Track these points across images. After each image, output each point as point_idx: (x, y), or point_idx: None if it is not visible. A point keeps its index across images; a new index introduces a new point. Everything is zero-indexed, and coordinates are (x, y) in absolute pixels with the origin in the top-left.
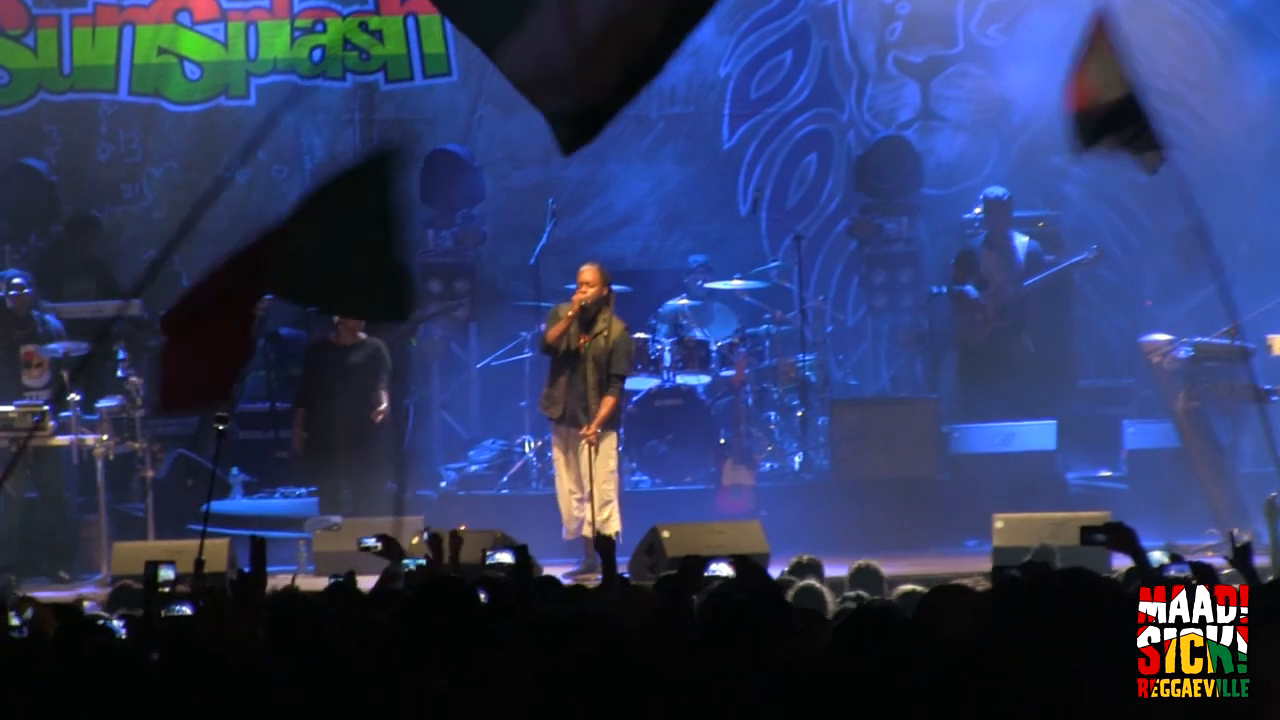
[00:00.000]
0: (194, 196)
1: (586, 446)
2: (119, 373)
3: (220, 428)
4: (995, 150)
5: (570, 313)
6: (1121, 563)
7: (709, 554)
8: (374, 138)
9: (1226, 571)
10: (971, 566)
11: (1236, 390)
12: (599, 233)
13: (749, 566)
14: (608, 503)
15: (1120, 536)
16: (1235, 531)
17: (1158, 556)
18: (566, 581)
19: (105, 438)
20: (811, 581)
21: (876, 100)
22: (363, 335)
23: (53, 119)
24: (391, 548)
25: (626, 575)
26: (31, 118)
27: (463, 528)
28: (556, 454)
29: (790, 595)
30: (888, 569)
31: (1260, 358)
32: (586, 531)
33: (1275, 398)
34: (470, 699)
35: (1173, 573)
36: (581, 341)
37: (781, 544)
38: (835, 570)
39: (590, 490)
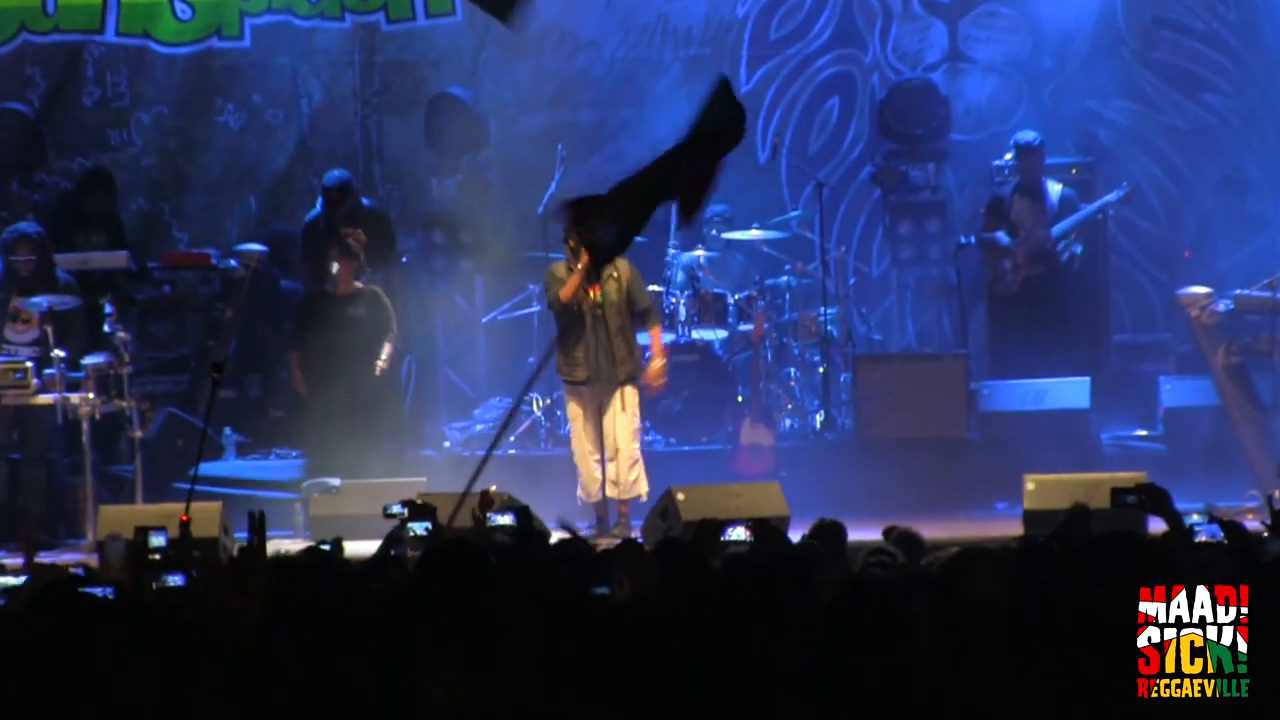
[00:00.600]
0: (185, 143)
1: (616, 403)
2: (106, 327)
3: (215, 376)
4: (1026, 94)
5: (579, 266)
6: (1158, 526)
7: (726, 518)
8: (375, 81)
9: (1265, 535)
10: (1001, 530)
11: (1278, 345)
12: (610, 180)
13: (768, 531)
14: (636, 462)
15: (1153, 498)
16: (1277, 494)
17: (1197, 519)
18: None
19: (91, 396)
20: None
21: (902, 41)
22: (359, 284)
23: (36, 61)
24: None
25: (639, 540)
26: (14, 59)
27: (493, 488)
28: (575, 416)
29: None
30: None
31: None
32: (610, 493)
33: None
34: (475, 675)
35: (1204, 536)
36: (593, 293)
37: (802, 507)
38: (858, 534)
39: (614, 450)
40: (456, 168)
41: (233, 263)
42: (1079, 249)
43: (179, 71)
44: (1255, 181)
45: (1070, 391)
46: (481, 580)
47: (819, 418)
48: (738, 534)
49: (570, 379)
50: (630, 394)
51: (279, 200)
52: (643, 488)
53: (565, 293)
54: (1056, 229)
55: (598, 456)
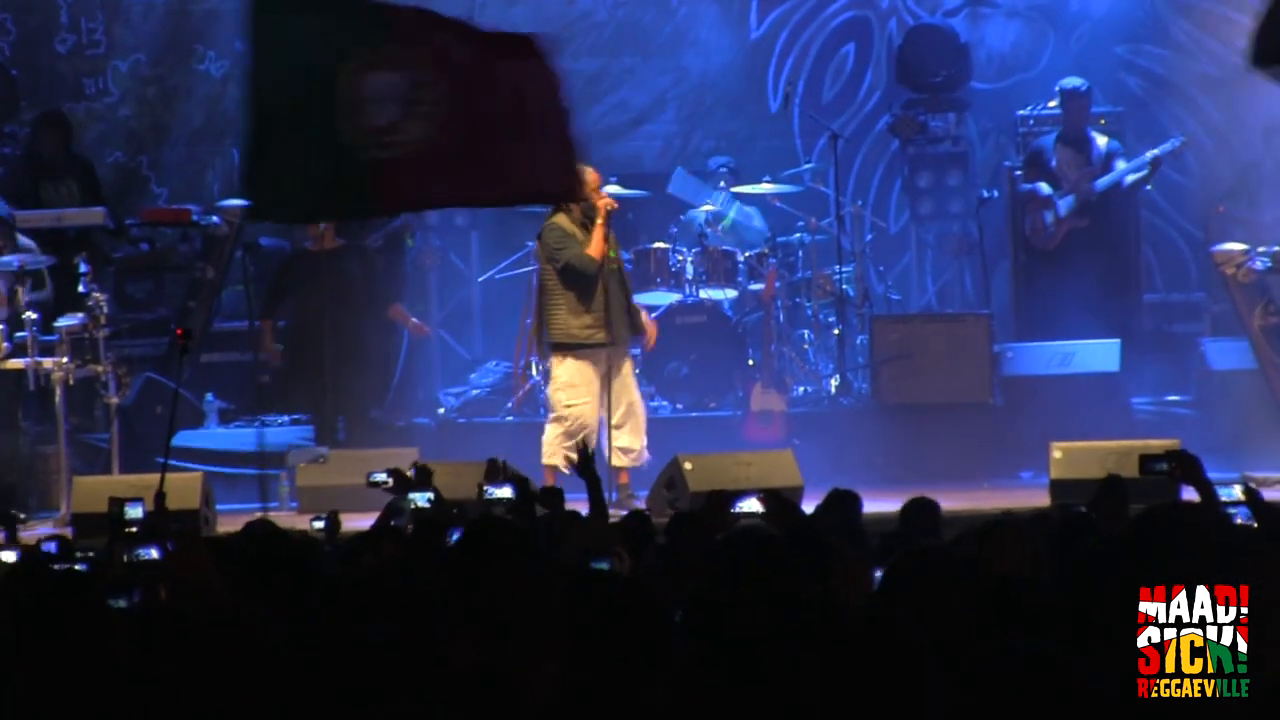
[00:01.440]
0: (164, 93)
1: (626, 366)
2: (80, 287)
3: (183, 344)
4: (1051, 40)
5: (601, 221)
6: (1192, 496)
7: (736, 488)
8: None
9: None
10: (1027, 500)
11: None
12: (613, 132)
13: (781, 502)
14: (644, 429)
15: (1185, 466)
16: None
17: (1234, 492)
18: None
19: (65, 360)
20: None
21: None
22: (342, 240)
23: (6, 6)
24: (405, 486)
25: (645, 511)
26: None
27: (500, 460)
28: (583, 379)
29: None
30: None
31: None
32: (620, 461)
33: None
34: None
35: (1239, 519)
36: (612, 251)
37: (816, 476)
38: (876, 505)
39: (628, 416)
40: None
41: (215, 219)
42: (1149, 188)
43: (158, 17)
44: None
45: (1099, 354)
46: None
47: (834, 382)
48: (749, 506)
49: (589, 341)
50: (630, 357)
51: None
52: (646, 455)
53: (597, 251)
54: (1101, 183)
55: (613, 423)
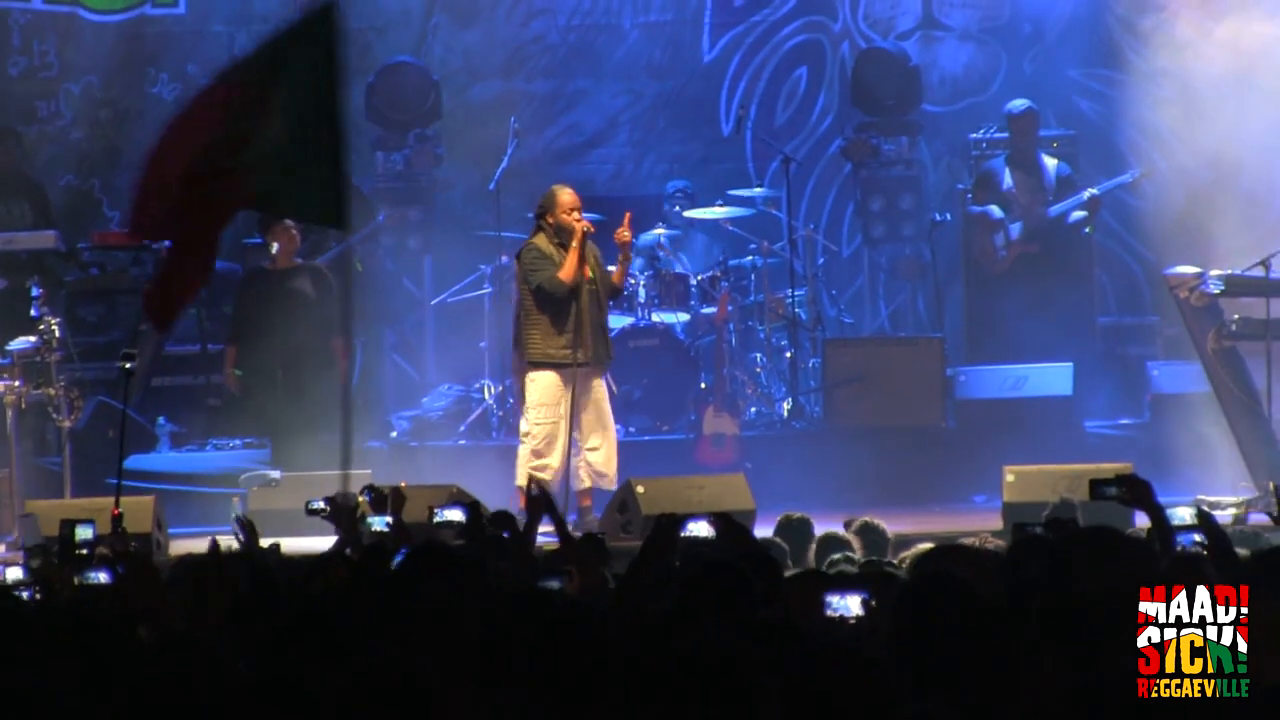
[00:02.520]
0: (117, 115)
1: (600, 387)
2: (32, 311)
3: (127, 365)
4: (1004, 63)
5: (576, 243)
6: (1146, 520)
7: (688, 511)
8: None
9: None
10: (980, 524)
11: (1273, 328)
12: (566, 154)
13: (732, 526)
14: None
15: (1134, 490)
16: (1275, 485)
17: (1184, 514)
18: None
19: (16, 384)
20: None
21: (873, 8)
22: (299, 260)
23: None
24: (341, 514)
25: (600, 533)
26: None
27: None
28: (554, 399)
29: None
30: (888, 528)
31: None
32: (589, 483)
33: None
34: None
35: (1193, 540)
36: (588, 272)
37: (768, 500)
38: (826, 528)
39: (601, 437)
40: (404, 141)
41: (167, 243)
42: (1087, 230)
43: (110, 40)
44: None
45: (1052, 377)
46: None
47: (786, 405)
48: (699, 529)
49: (565, 361)
50: (605, 380)
51: None
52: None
53: (568, 272)
54: (1054, 210)
55: (585, 444)
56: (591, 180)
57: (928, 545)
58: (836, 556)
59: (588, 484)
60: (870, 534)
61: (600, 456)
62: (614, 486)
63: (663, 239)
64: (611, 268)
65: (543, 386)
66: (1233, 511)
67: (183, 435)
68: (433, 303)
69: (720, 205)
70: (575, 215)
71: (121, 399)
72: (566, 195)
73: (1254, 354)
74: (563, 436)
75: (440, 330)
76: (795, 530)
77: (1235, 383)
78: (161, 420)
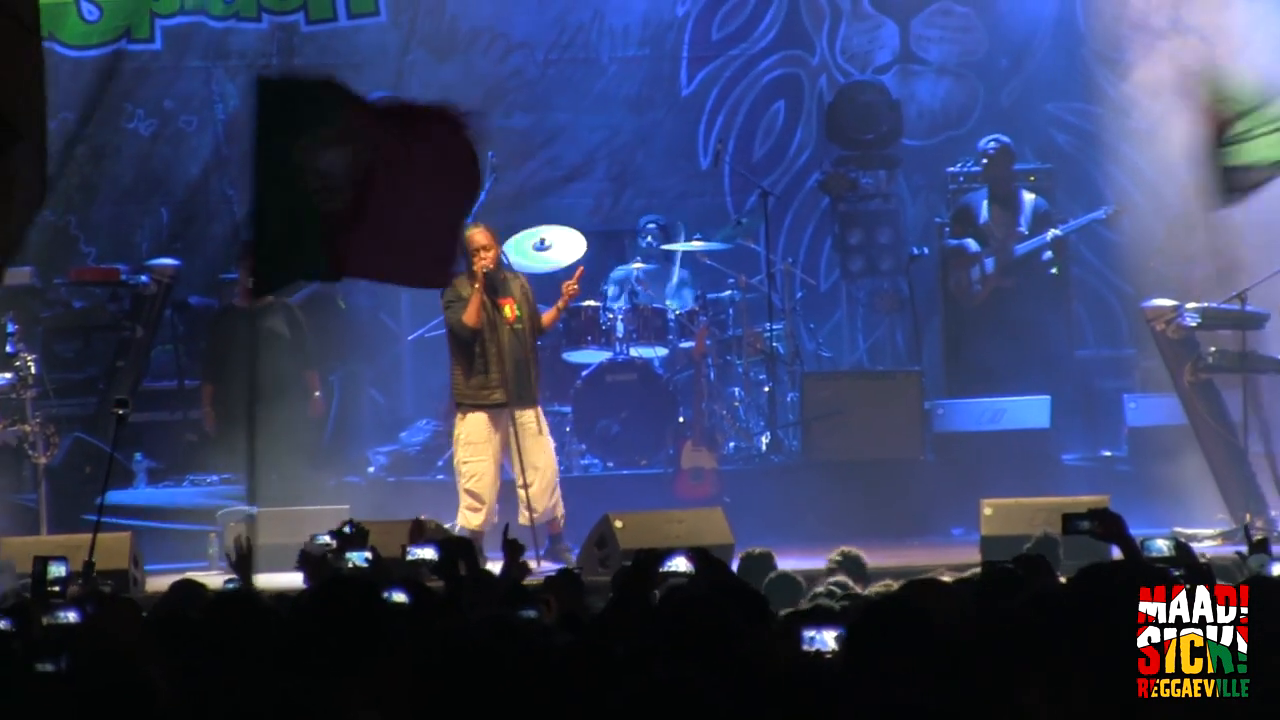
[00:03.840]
0: (93, 151)
1: (532, 424)
2: (8, 348)
3: (120, 412)
4: (982, 96)
5: (477, 285)
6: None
7: (666, 545)
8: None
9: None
10: (958, 557)
11: (1249, 361)
12: (544, 188)
13: (711, 561)
14: (557, 485)
15: (1107, 524)
16: (1249, 517)
17: (1162, 545)
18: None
19: None
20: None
21: (851, 42)
22: (270, 297)
23: None
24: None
25: (576, 568)
26: None
27: (423, 516)
28: (481, 439)
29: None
30: (867, 561)
31: (1275, 324)
32: (525, 520)
33: None
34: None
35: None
36: (509, 310)
37: (747, 534)
38: (807, 563)
39: (536, 474)
40: None
41: (144, 279)
42: (1053, 271)
43: (86, 75)
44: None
45: (1030, 410)
46: (370, 619)
47: (765, 439)
48: (678, 564)
49: (485, 403)
50: (541, 414)
51: (192, 212)
52: (561, 510)
53: (471, 315)
54: (1021, 248)
55: (521, 482)
56: (570, 214)
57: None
58: (819, 590)
59: (525, 521)
60: (850, 565)
61: (533, 491)
62: (545, 520)
63: (640, 273)
64: (545, 307)
65: (469, 426)
66: (1210, 543)
67: (160, 471)
68: (410, 338)
69: (698, 239)
70: (480, 255)
71: (109, 442)
72: (473, 234)
73: (1230, 386)
74: (491, 475)
75: (418, 365)
76: (755, 565)
77: (1211, 415)
78: (139, 456)
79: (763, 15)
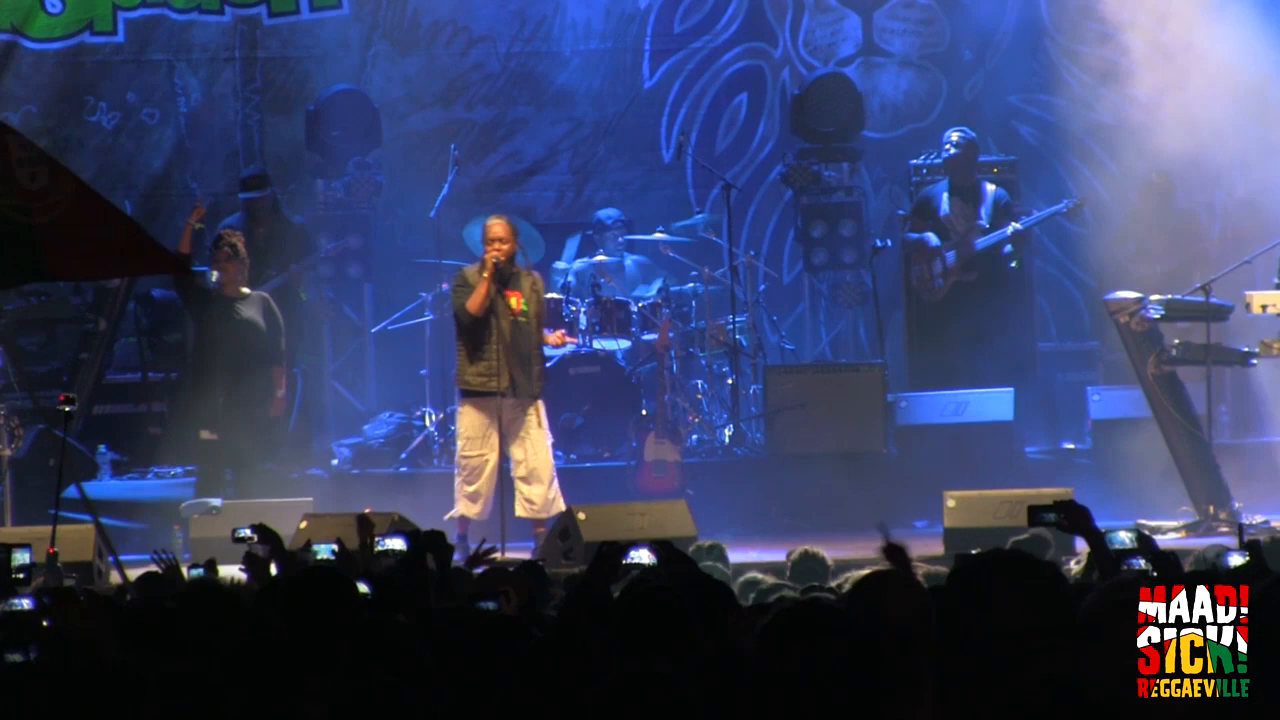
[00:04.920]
0: (56, 144)
1: (531, 418)
2: None
3: (67, 409)
4: (945, 89)
5: (486, 274)
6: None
7: (629, 538)
8: (256, 78)
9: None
10: (921, 549)
11: (1212, 353)
12: (507, 182)
13: (674, 553)
14: (554, 479)
15: (1073, 516)
16: (1212, 509)
17: (1124, 537)
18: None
19: None
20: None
21: (814, 34)
22: (246, 289)
23: None
24: (269, 537)
25: (539, 560)
26: None
27: (368, 510)
28: (477, 427)
29: None
30: (828, 553)
31: (1238, 316)
32: (524, 512)
33: (1254, 361)
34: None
35: (1138, 564)
36: (516, 302)
37: (710, 526)
38: (769, 555)
39: (532, 468)
40: (343, 169)
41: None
42: (1013, 265)
43: (49, 68)
44: (1188, 179)
45: (993, 403)
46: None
47: (728, 432)
48: (641, 556)
49: (483, 389)
50: (541, 409)
51: (155, 205)
52: (561, 505)
53: (475, 301)
54: (981, 242)
55: (520, 475)
56: (532, 208)
57: (863, 572)
58: (772, 582)
59: (522, 513)
60: (811, 564)
61: (532, 487)
62: (545, 514)
63: (602, 265)
64: (550, 333)
65: (468, 420)
66: (1173, 535)
67: (124, 463)
68: (374, 330)
69: (660, 232)
70: (494, 246)
71: (71, 435)
72: (492, 225)
73: (1194, 378)
74: (490, 468)
75: (381, 358)
76: (708, 557)
77: (1175, 407)
78: (103, 448)
79: (725, 8)
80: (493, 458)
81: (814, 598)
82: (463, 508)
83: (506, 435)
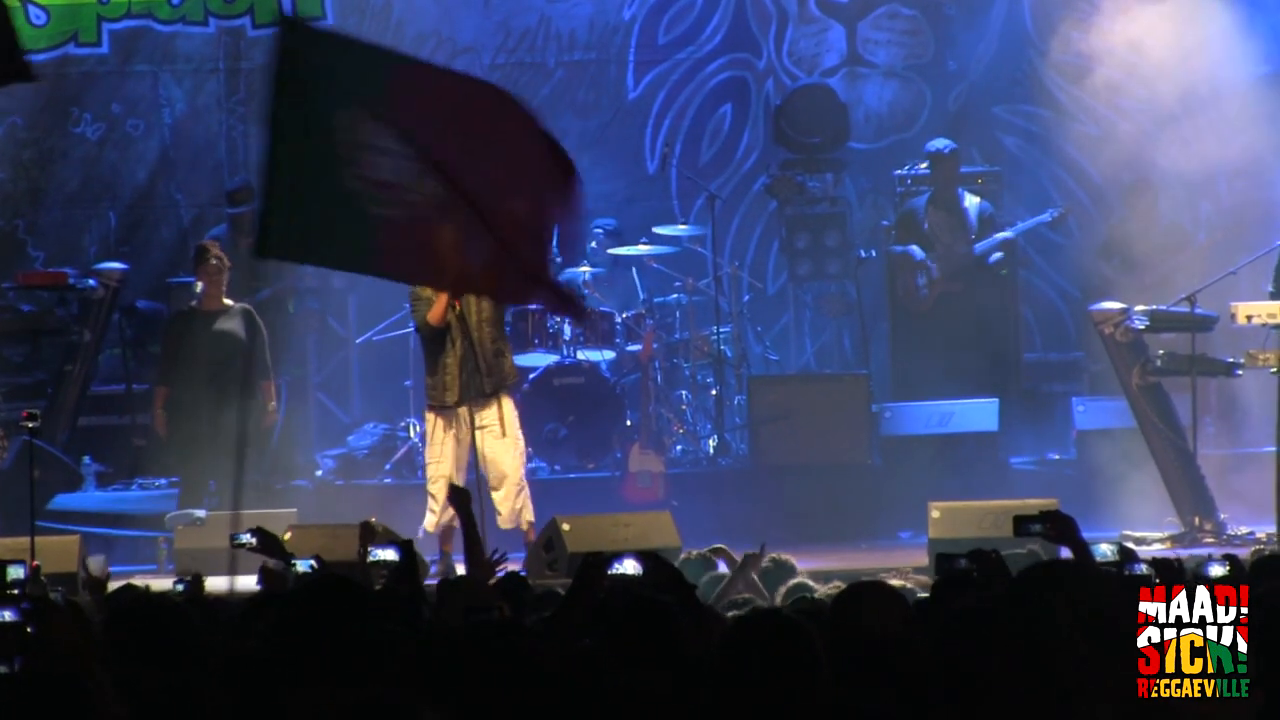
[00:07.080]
0: (40, 155)
1: (494, 425)
2: None
3: (30, 425)
4: (929, 100)
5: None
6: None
7: (614, 549)
8: (241, 88)
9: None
10: (905, 560)
11: (1197, 364)
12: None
13: (659, 563)
14: (523, 489)
15: (1059, 526)
16: (1197, 520)
17: (1106, 549)
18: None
19: None
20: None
21: (798, 45)
22: (229, 301)
23: None
24: (270, 544)
25: (523, 574)
26: None
27: (373, 519)
28: (443, 440)
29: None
30: (812, 564)
31: (1223, 327)
32: (501, 523)
33: (1239, 371)
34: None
35: (1139, 569)
36: (469, 308)
37: (695, 537)
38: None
39: (499, 478)
40: None
41: (91, 282)
42: (1003, 272)
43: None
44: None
45: (978, 413)
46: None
47: (712, 443)
48: (627, 567)
49: (441, 403)
50: (509, 413)
51: (140, 216)
52: (529, 515)
53: (436, 313)
54: (980, 246)
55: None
56: None
57: (800, 580)
58: (749, 595)
59: (502, 525)
60: (779, 570)
61: (498, 495)
62: (514, 525)
63: (587, 276)
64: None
65: (431, 428)
66: (1159, 546)
67: (108, 475)
68: (358, 341)
69: (645, 243)
70: None
71: (46, 440)
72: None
73: (1179, 390)
74: (447, 477)
75: (365, 369)
76: (692, 569)
77: (1160, 418)
78: (87, 460)
79: (709, 18)
80: (451, 467)
81: (773, 608)
82: (427, 519)
83: (473, 446)
